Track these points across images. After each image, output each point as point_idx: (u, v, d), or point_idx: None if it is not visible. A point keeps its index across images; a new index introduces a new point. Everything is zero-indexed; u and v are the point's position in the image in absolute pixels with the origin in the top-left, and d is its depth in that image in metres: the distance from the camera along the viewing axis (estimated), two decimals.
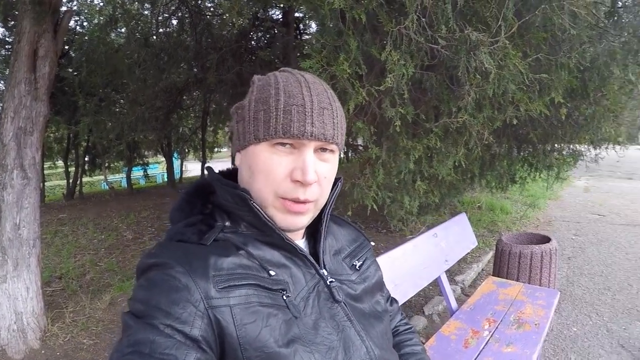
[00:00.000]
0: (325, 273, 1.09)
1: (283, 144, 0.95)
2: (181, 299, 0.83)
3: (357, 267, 1.23)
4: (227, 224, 1.03)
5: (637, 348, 3.81)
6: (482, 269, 5.88)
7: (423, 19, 2.84)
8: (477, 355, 2.49)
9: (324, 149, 1.00)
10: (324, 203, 1.08)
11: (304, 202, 0.98)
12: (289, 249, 1.03)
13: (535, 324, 2.88)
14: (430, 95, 3.71)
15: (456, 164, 4.10)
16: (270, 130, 0.94)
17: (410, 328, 1.46)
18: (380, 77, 3.31)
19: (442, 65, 3.37)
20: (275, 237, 1.00)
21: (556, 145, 6.14)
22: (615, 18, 4.08)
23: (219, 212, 1.06)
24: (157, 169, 20.92)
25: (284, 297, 0.96)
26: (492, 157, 5.82)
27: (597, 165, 6.65)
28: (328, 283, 1.07)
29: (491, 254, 6.25)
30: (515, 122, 3.74)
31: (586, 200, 11.18)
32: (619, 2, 4.21)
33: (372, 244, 1.39)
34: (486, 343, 2.64)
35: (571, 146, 6.30)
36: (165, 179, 16.21)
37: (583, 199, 11.40)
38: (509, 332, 2.77)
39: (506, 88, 3.19)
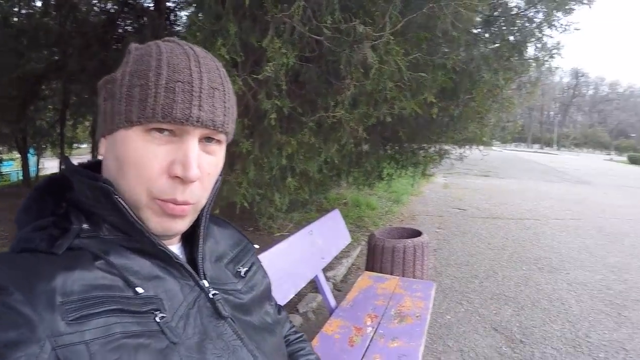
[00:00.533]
0: (207, 284, 0.91)
1: (161, 130, 0.77)
2: (20, 339, 0.62)
3: (242, 274, 1.07)
4: (85, 226, 0.81)
5: (509, 330, 4.09)
6: (352, 264, 5.94)
7: (308, 8, 2.76)
8: (365, 353, 2.45)
9: (209, 139, 0.83)
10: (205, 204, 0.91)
11: (183, 204, 0.81)
12: (162, 257, 0.84)
13: (417, 316, 2.91)
14: (308, 89, 3.62)
15: (328, 160, 4.07)
16: (147, 111, 0.75)
17: (301, 336, 1.33)
18: (255, 66, 3.19)
19: (322, 58, 3.30)
20: (145, 242, 0.81)
21: (423, 143, 6.35)
22: (492, 25, 4.28)
23: (75, 212, 0.83)
24: (12, 166, 19.31)
25: (157, 320, 0.76)
26: (360, 154, 5.89)
27: (454, 164, 7.08)
28: (211, 296, 0.90)
29: (359, 249, 6.39)
30: (389, 119, 3.77)
31: (446, 196, 11.91)
32: (497, 11, 4.42)
33: (257, 246, 1.26)
34: (371, 339, 2.60)
35: (437, 145, 6.56)
36: (21, 177, 15.02)
37: (443, 195, 12.13)
38: (393, 327, 2.77)
39: (384, 85, 3.19)
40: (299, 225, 3.40)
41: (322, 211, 4.08)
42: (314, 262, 3.23)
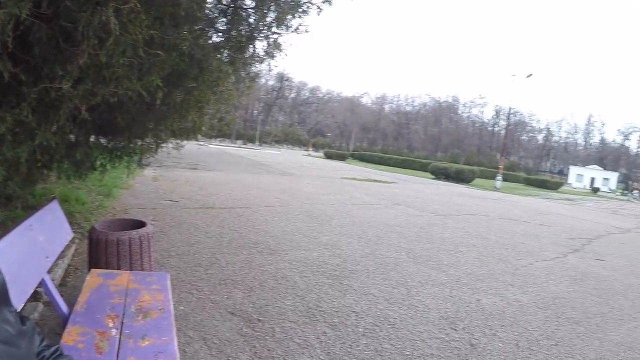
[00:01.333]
0: None
1: None
2: None
3: None
4: None
5: (245, 312, 4.21)
6: (69, 265, 5.31)
7: None
8: (117, 359, 2.16)
9: None
10: None
11: None
12: None
13: (160, 309, 2.75)
14: (35, 52, 3.00)
15: (44, 143, 3.53)
16: None
17: (57, 351, 1.06)
18: None
19: (58, 18, 2.77)
20: None
21: (141, 132, 6.07)
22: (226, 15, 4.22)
23: None
24: None
25: None
26: (70, 143, 5.30)
27: (170, 153, 7.18)
28: None
29: (74, 247, 5.77)
30: (114, 99, 3.44)
31: (157, 189, 11.76)
32: (233, 4, 4.38)
33: None
34: (120, 342, 2.32)
35: (155, 133, 6.34)
36: None
37: (154, 187, 11.94)
38: (138, 325, 2.53)
39: (118, 59, 2.87)
40: (3, 227, 2.78)
41: (29, 209, 3.50)
42: (38, 262, 2.74)
